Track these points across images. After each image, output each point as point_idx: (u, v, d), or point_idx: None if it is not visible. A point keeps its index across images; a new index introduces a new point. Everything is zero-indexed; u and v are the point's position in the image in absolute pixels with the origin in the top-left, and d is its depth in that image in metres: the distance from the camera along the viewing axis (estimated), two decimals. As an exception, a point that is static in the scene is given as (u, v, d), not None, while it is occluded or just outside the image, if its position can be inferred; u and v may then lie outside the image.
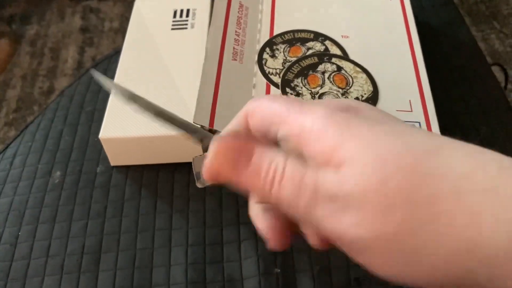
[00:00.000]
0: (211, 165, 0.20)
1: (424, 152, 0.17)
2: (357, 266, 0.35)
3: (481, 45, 1.24)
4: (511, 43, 1.26)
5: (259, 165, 0.19)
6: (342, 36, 0.41)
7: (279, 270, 0.35)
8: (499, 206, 0.15)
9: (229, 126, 0.23)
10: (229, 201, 0.39)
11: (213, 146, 0.20)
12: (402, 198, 0.16)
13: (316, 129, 0.18)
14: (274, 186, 0.19)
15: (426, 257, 0.16)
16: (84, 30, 1.41)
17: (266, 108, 0.20)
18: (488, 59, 1.17)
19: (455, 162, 0.17)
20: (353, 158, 0.17)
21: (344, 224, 0.17)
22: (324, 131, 0.18)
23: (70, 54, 1.35)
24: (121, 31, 1.38)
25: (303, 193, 0.18)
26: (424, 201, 0.16)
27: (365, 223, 0.17)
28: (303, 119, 0.19)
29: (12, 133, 1.18)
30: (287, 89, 0.38)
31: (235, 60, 0.39)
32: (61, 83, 1.28)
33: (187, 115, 0.40)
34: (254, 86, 0.38)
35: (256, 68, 0.39)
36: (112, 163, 0.42)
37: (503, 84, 0.86)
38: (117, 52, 0.51)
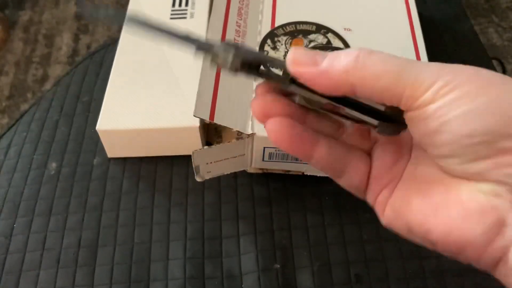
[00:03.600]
0: (293, 58, 0.21)
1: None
2: (357, 262, 0.35)
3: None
4: (509, 37, 1.26)
5: (336, 53, 0.20)
6: (344, 29, 0.41)
7: (278, 266, 0.35)
8: None
9: None
10: (228, 195, 0.39)
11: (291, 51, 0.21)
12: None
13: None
14: (354, 63, 0.19)
15: None
16: (78, 16, 1.39)
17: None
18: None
19: None
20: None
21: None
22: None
23: (64, 41, 1.33)
24: (117, 18, 1.36)
25: (384, 81, 0.19)
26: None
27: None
28: None
29: (5, 120, 1.17)
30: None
31: (236, 52, 0.39)
32: (55, 70, 1.26)
33: (186, 107, 0.39)
34: (255, 79, 0.38)
35: (257, 60, 0.39)
36: (109, 155, 0.41)
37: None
38: (113, 41, 0.50)
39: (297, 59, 0.20)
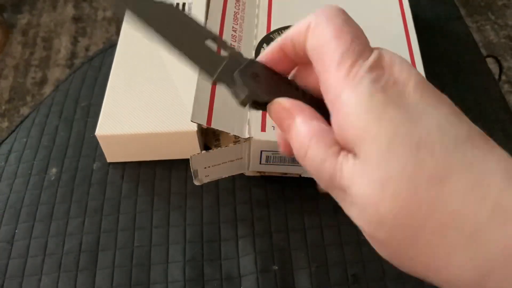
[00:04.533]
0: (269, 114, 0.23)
1: (428, 179, 0.17)
2: (354, 263, 0.35)
3: (476, 36, 1.24)
4: (505, 34, 1.26)
5: (294, 134, 0.21)
6: (339, 32, 0.41)
7: (277, 267, 0.35)
8: (474, 252, 0.17)
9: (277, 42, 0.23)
10: (226, 198, 0.39)
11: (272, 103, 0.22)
12: (391, 221, 0.18)
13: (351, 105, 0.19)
14: (301, 159, 0.21)
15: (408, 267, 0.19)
16: (77, 19, 1.39)
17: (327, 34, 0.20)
18: (483, 51, 1.18)
19: (452, 197, 0.17)
20: (366, 164, 0.18)
21: (351, 212, 0.19)
22: (357, 113, 0.18)
23: (63, 44, 1.34)
24: (115, 20, 1.37)
25: (321, 177, 0.20)
26: (409, 233, 0.18)
27: (364, 227, 0.19)
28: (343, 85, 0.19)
29: (5, 124, 1.17)
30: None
31: (232, 56, 0.39)
32: (54, 73, 1.27)
33: (184, 112, 0.39)
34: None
35: (253, 64, 0.39)
36: (109, 160, 0.42)
37: (497, 76, 0.86)
38: (112, 46, 0.50)
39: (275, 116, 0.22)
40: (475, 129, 0.18)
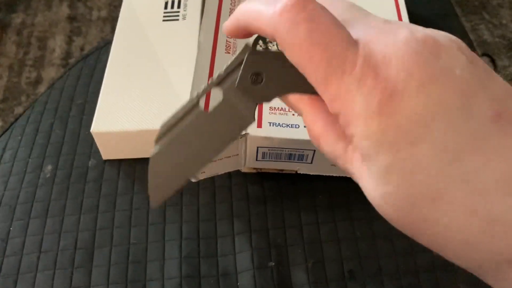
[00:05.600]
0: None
1: (423, 197, 0.17)
2: (351, 259, 0.35)
3: (471, 35, 1.24)
4: (499, 33, 1.27)
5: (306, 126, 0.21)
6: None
7: (273, 264, 0.35)
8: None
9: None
10: (223, 194, 0.39)
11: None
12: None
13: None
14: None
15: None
16: (71, 19, 1.39)
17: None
18: (477, 50, 1.18)
19: (446, 215, 0.16)
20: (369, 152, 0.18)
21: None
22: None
23: (57, 44, 1.33)
24: (110, 20, 1.36)
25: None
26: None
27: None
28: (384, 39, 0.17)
29: (0, 124, 1.17)
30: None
31: (228, 53, 0.39)
32: (49, 73, 1.26)
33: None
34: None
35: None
36: (104, 157, 0.42)
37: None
38: (107, 44, 0.50)
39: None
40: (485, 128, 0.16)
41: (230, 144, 0.22)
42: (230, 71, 0.22)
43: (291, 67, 0.19)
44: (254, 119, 0.22)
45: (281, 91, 0.21)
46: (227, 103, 0.21)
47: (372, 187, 0.18)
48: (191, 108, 0.22)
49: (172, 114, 0.23)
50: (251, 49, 0.21)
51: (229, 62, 0.22)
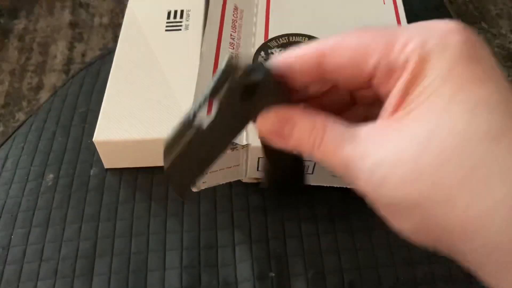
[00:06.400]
0: (261, 136, 0.22)
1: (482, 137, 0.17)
2: (351, 270, 0.36)
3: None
4: (498, 43, 1.28)
5: (301, 133, 0.21)
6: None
7: (274, 274, 0.35)
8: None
9: (296, 66, 0.21)
10: (224, 204, 0.39)
11: (259, 119, 0.22)
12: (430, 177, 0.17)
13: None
14: (314, 150, 0.21)
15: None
16: (73, 25, 1.39)
17: (355, 42, 0.20)
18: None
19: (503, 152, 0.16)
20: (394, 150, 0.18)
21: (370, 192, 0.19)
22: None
23: (59, 50, 1.33)
24: (111, 26, 1.37)
25: (336, 166, 0.20)
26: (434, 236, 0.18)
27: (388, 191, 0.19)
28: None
29: (0, 129, 1.17)
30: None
31: (230, 63, 0.39)
32: (50, 79, 1.27)
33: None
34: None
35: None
36: (106, 166, 0.42)
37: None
38: (110, 52, 0.50)
39: (265, 130, 0.22)
40: None
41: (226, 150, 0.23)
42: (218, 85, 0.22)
43: (278, 82, 0.21)
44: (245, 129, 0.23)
45: (271, 104, 0.22)
46: (220, 115, 0.22)
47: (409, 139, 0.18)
48: (188, 125, 0.23)
49: (172, 131, 0.24)
50: (234, 72, 0.21)
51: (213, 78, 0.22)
